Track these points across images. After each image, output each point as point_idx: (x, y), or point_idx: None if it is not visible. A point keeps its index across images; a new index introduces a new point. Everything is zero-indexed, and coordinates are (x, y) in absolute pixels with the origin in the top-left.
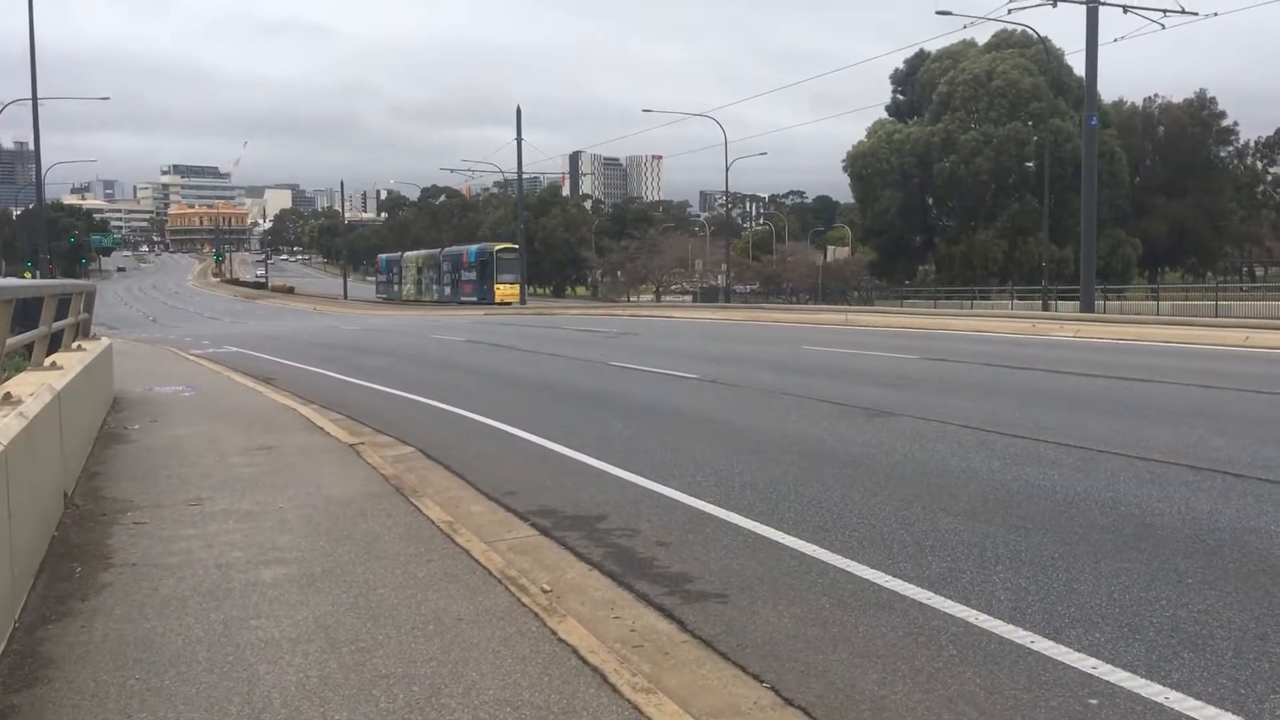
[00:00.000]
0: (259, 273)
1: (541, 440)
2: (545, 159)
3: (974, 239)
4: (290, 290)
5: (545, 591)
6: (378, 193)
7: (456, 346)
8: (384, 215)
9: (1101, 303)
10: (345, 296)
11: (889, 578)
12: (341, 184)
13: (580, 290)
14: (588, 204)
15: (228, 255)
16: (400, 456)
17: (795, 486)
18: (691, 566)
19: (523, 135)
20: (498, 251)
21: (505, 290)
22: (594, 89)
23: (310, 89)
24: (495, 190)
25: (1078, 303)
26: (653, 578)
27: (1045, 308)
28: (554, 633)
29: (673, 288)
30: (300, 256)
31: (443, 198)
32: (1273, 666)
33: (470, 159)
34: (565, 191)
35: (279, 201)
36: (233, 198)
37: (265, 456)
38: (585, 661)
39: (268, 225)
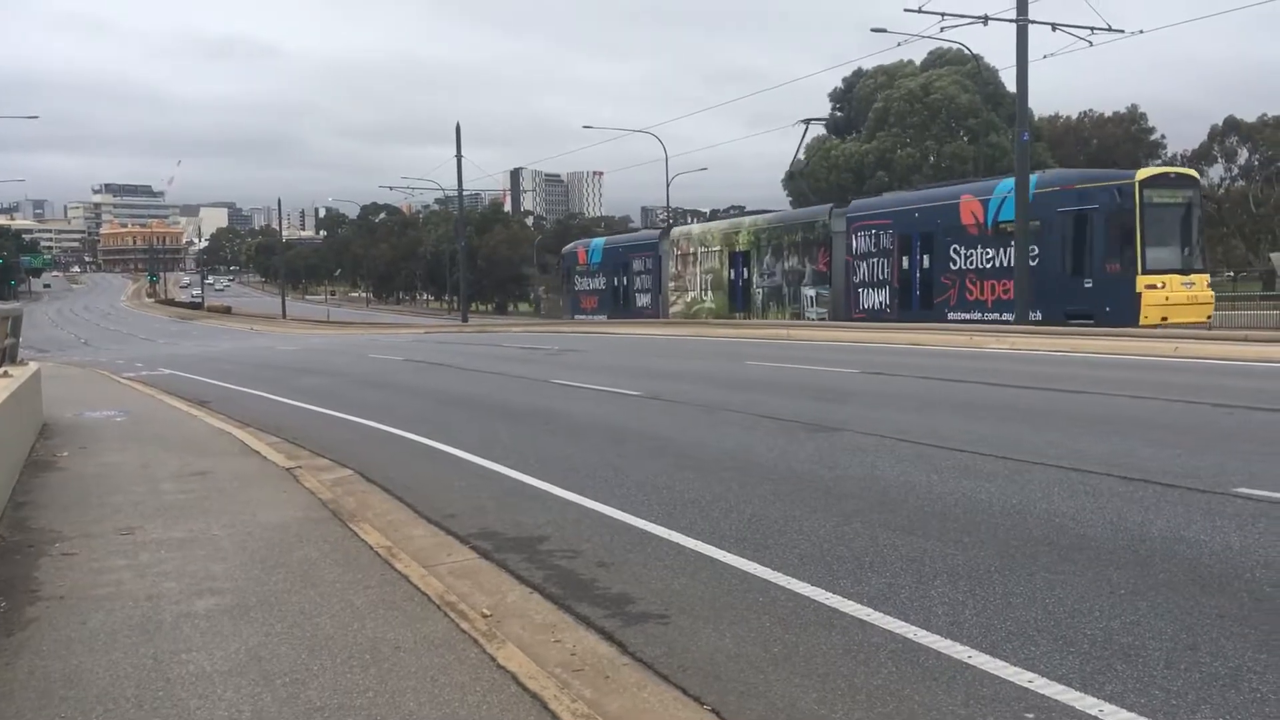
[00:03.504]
0: (195, 292)
1: (482, 460)
2: (486, 176)
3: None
4: (227, 310)
5: (485, 616)
6: (316, 210)
7: (395, 366)
8: (323, 233)
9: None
10: (284, 316)
11: (829, 595)
12: (279, 202)
13: (523, 307)
14: (530, 220)
15: (162, 275)
16: (339, 480)
17: (737, 503)
18: (633, 587)
19: (463, 152)
20: None
21: None
22: (535, 107)
23: (251, 108)
24: (436, 207)
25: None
26: (594, 600)
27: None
28: (493, 659)
29: None
30: (231, 278)
31: (382, 215)
32: (1202, 677)
33: (411, 176)
34: (507, 208)
35: (215, 220)
36: (166, 216)
37: (199, 482)
38: (524, 688)
39: (203, 244)
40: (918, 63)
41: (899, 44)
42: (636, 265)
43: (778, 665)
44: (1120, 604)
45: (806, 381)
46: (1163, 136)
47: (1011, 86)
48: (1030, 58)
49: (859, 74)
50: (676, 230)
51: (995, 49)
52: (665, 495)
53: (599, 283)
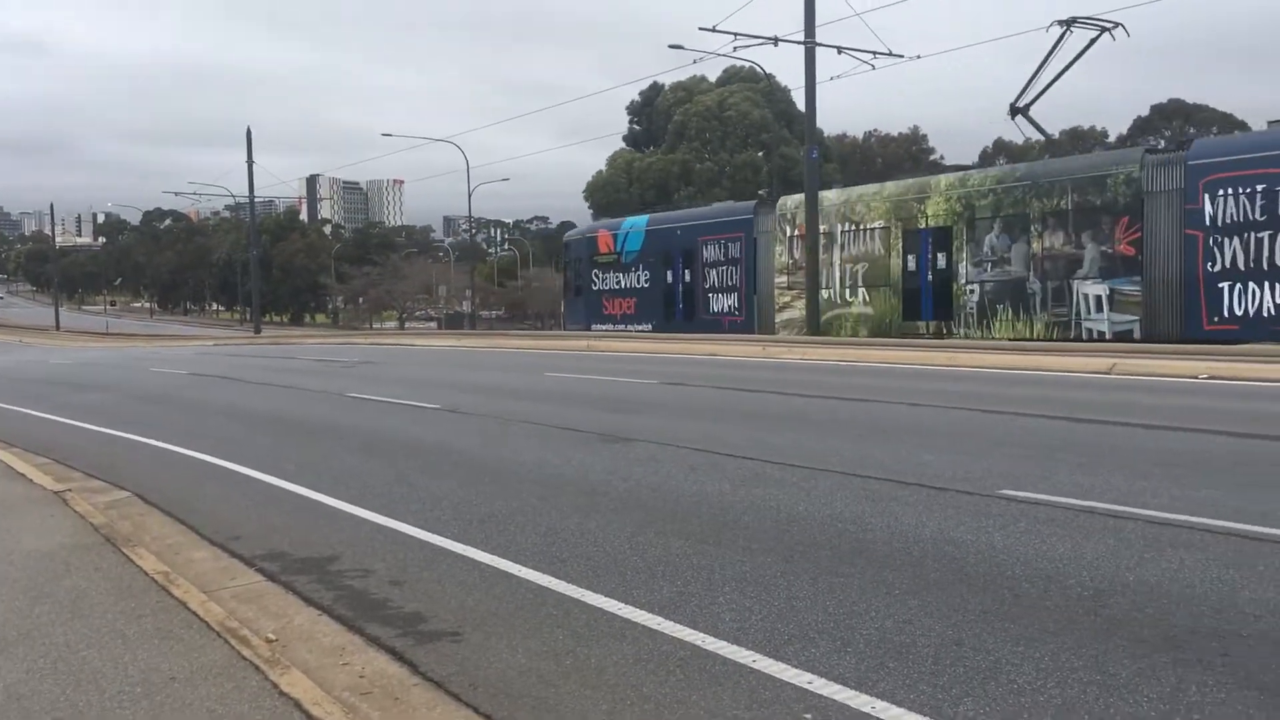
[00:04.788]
0: None
1: (271, 479)
2: (281, 182)
3: None
4: None
5: (269, 641)
6: (94, 216)
7: (181, 380)
8: (102, 240)
9: None
10: (58, 327)
11: (622, 605)
12: (51, 206)
13: (320, 318)
14: (328, 229)
15: None
16: (114, 503)
17: (533, 516)
18: (426, 605)
19: (256, 158)
20: None
21: None
22: (331, 114)
23: (17, 108)
24: (227, 214)
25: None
26: (385, 620)
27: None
28: (276, 686)
29: (416, 315)
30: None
31: (168, 221)
32: (966, 670)
33: (199, 181)
34: (304, 216)
35: None
36: None
37: None
38: (308, 714)
39: None
40: (713, 79)
41: (694, 61)
42: (711, 253)
43: (569, 678)
44: (895, 604)
45: (605, 393)
46: (941, 156)
47: (803, 105)
48: (819, 78)
49: (656, 88)
50: (788, 201)
51: (787, 68)
52: (461, 510)
53: (638, 279)
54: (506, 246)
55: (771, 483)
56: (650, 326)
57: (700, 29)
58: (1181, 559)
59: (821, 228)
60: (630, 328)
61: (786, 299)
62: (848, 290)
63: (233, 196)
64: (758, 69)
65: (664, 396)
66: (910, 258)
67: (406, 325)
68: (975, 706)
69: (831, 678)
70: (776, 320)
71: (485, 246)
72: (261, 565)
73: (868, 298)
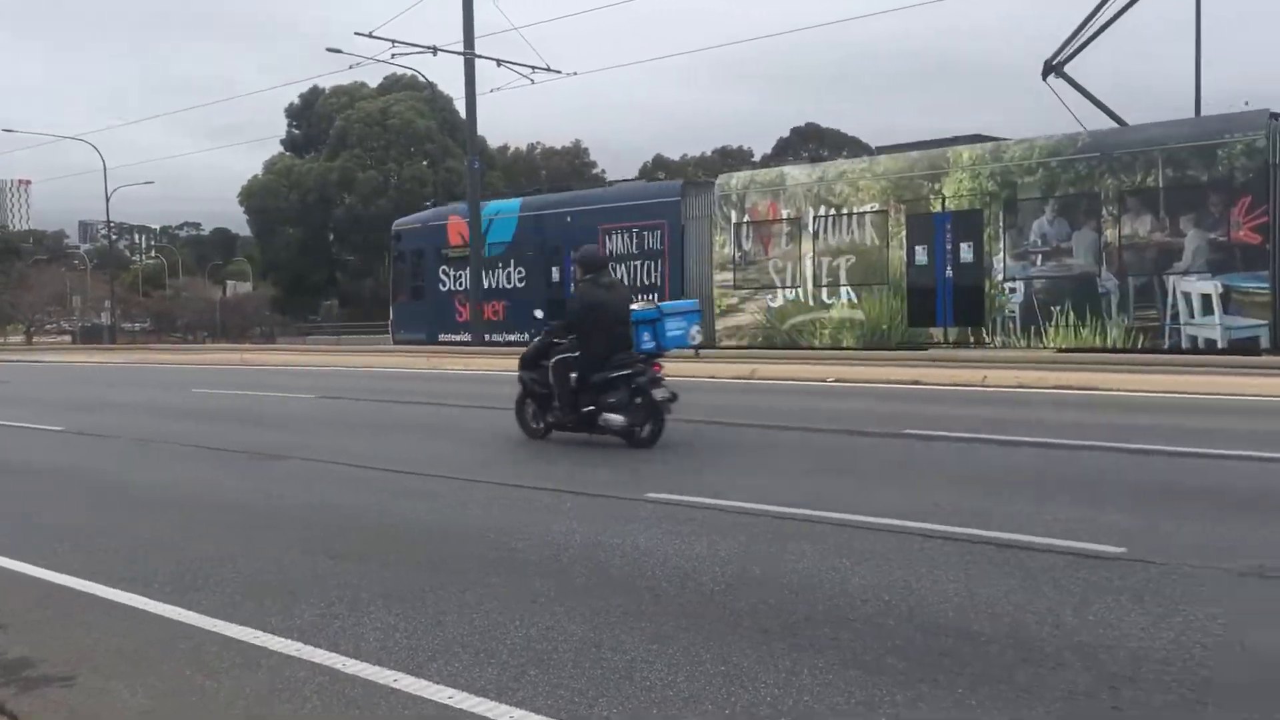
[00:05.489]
0: None
1: None
2: None
3: (380, 276)
4: None
5: None
6: None
7: None
8: None
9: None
10: None
11: (259, 633)
12: None
13: None
14: None
15: None
16: None
17: (170, 544)
18: (35, 649)
19: None
20: None
21: None
22: None
23: None
24: None
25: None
26: None
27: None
28: None
29: (48, 327)
30: None
31: None
32: (604, 672)
33: None
34: None
35: None
36: None
37: None
38: None
39: None
40: (373, 85)
41: (350, 66)
42: (618, 245)
43: (196, 717)
44: (540, 611)
45: (257, 409)
46: (603, 170)
47: (465, 115)
48: (480, 90)
49: (316, 91)
50: (734, 179)
51: (451, 78)
52: (86, 542)
53: (508, 278)
54: (154, 254)
55: (428, 496)
56: (526, 337)
57: (357, 34)
58: (803, 550)
59: (785, 212)
60: (497, 337)
61: (733, 301)
62: (824, 290)
63: None
64: (420, 77)
65: (319, 410)
66: (919, 249)
67: (35, 340)
68: (609, 707)
69: (473, 691)
70: (719, 328)
71: (129, 254)
72: None
73: (855, 299)
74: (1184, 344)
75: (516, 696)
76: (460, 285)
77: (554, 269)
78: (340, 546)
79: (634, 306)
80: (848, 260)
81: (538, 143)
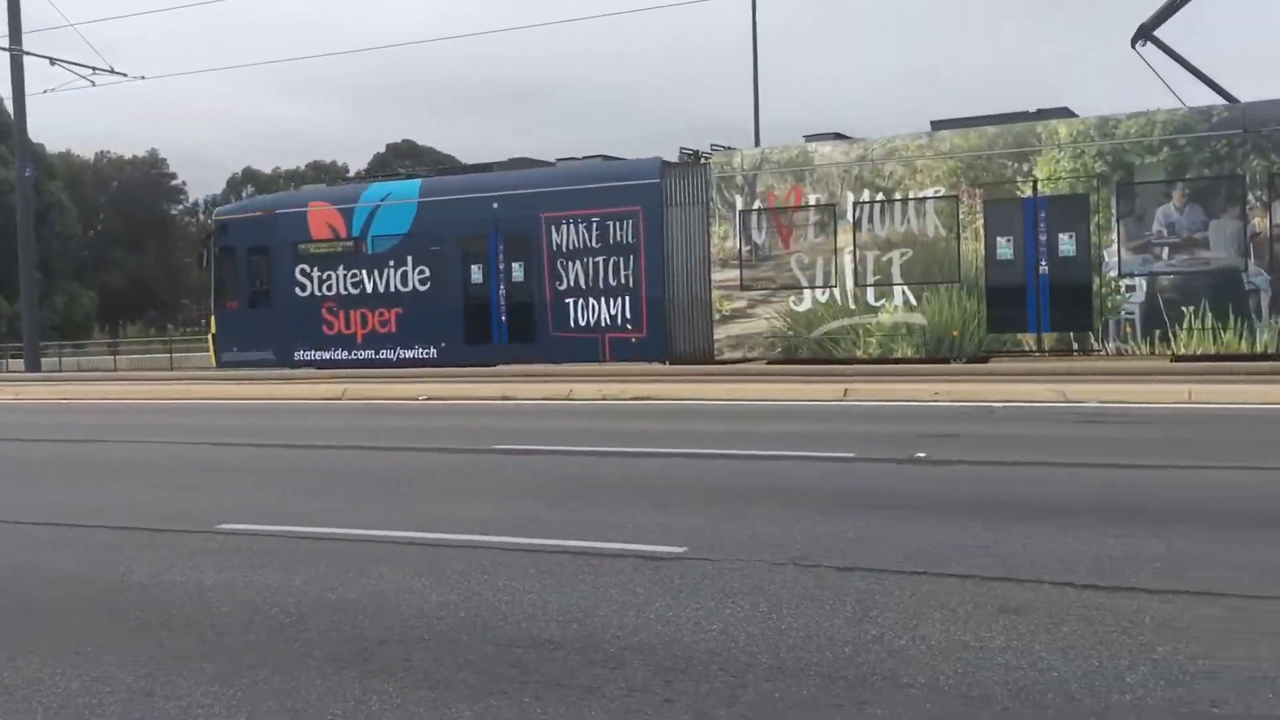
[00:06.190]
0: None
1: None
2: None
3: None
4: None
5: None
6: None
7: None
8: None
9: (58, 360)
10: None
11: None
12: None
13: None
14: None
15: None
16: None
17: None
18: None
19: None
20: None
21: None
22: None
23: None
24: None
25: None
26: None
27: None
28: None
29: None
30: None
31: None
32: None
33: None
34: None
35: None
36: None
37: None
38: None
39: None
40: None
41: None
42: (570, 238)
43: None
44: (86, 662)
45: None
46: (184, 182)
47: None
48: (31, 91)
49: None
50: (741, 155)
51: None
52: None
53: (403, 280)
54: None
55: None
56: (433, 353)
57: None
58: (381, 573)
59: (814, 197)
60: (386, 354)
61: (739, 305)
62: (869, 290)
63: None
64: None
65: None
66: (1002, 240)
67: None
68: None
69: None
70: (717, 338)
71: None
72: None
73: (913, 300)
74: None
75: None
76: (331, 290)
77: (475, 267)
78: None
79: None
80: (902, 254)
81: (106, 151)
